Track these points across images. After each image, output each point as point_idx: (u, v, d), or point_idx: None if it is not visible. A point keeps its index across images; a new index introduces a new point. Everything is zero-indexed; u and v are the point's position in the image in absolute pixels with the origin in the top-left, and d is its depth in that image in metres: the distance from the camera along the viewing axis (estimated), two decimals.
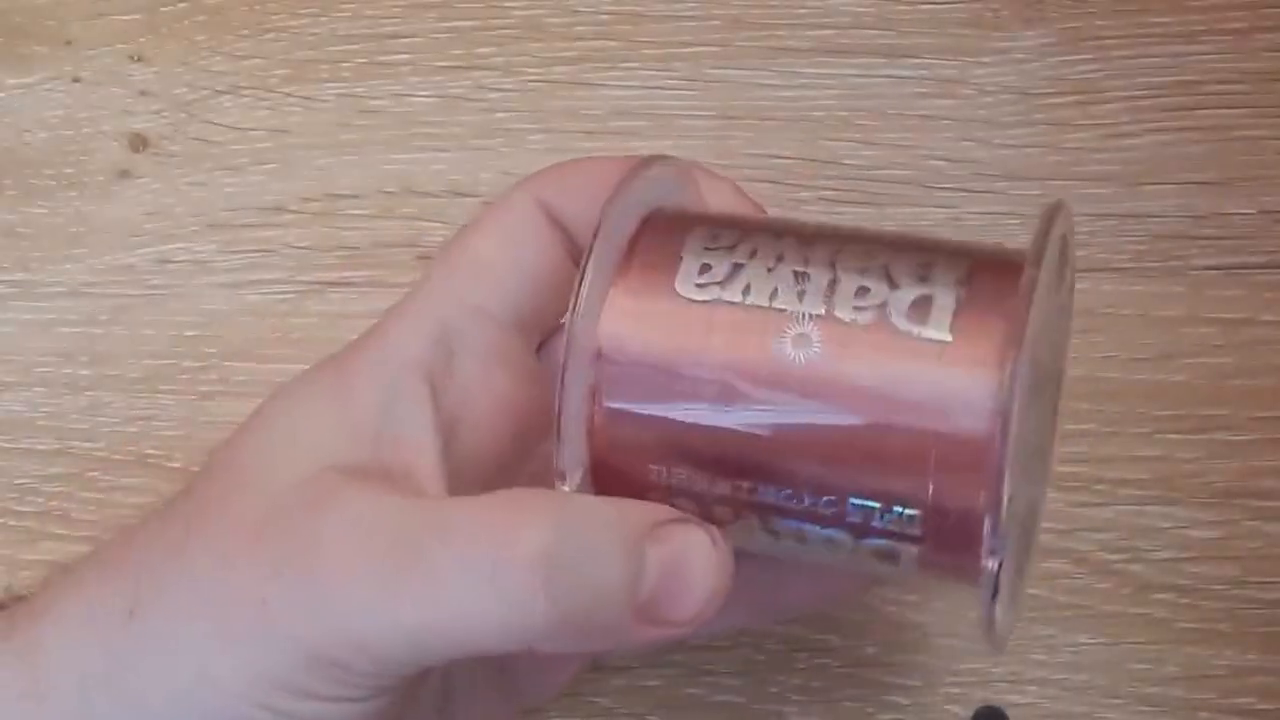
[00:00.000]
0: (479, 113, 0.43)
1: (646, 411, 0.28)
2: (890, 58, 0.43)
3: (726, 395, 0.27)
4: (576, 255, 0.32)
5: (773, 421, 0.27)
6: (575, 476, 0.28)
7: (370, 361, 0.30)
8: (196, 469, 0.40)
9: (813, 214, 0.42)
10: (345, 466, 0.29)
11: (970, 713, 0.36)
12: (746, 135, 0.42)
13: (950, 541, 0.27)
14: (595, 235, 0.28)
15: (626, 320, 0.28)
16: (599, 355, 0.28)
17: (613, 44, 0.43)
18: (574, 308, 0.28)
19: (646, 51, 0.43)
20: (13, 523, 0.41)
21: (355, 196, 0.42)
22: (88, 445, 0.41)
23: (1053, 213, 0.28)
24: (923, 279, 0.27)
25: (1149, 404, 0.40)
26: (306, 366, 0.41)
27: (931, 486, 0.27)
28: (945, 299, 0.27)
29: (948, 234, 0.41)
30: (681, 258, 0.28)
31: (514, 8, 0.43)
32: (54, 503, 0.41)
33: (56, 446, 0.41)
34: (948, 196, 0.42)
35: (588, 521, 0.27)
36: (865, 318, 0.27)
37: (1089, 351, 0.40)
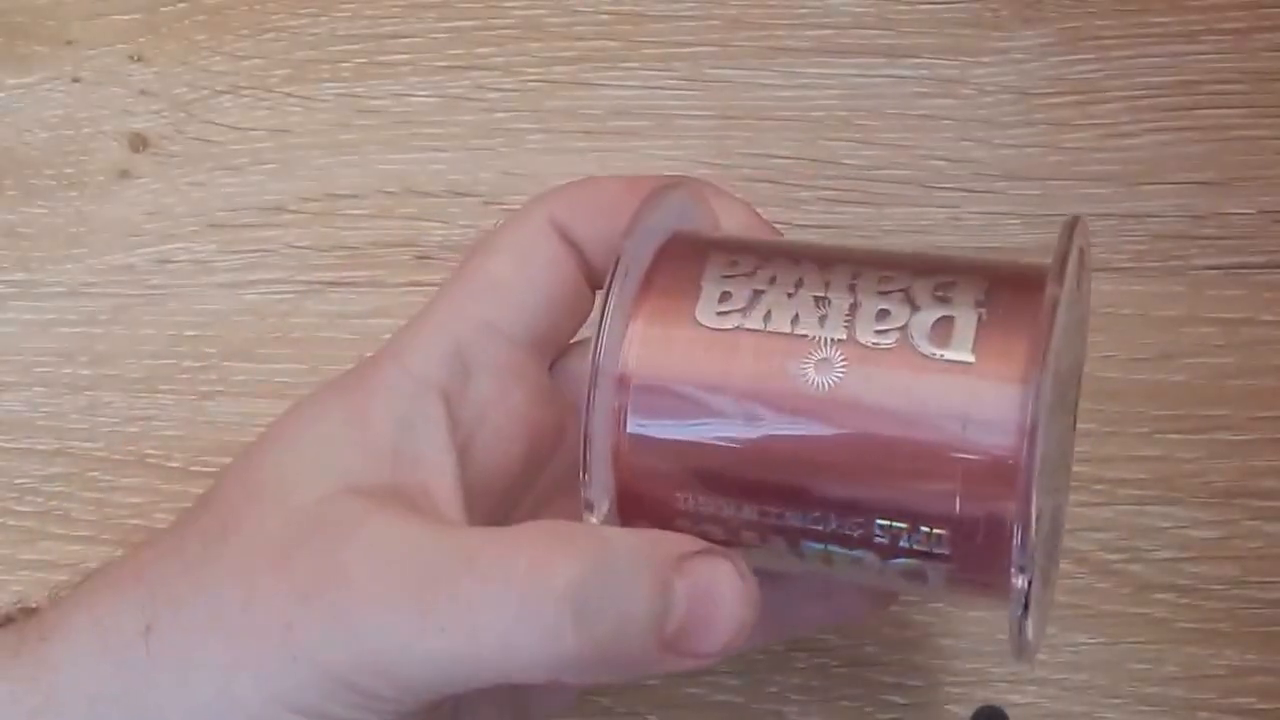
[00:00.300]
0: (479, 113, 0.43)
1: (672, 440, 0.28)
2: (890, 58, 0.43)
3: (751, 422, 0.28)
4: (590, 274, 0.32)
5: (798, 447, 0.27)
6: (603, 507, 0.29)
7: (386, 380, 0.30)
8: (196, 469, 0.41)
9: (813, 214, 0.42)
10: (363, 486, 0.29)
11: (970, 713, 0.36)
12: (746, 135, 0.42)
13: (979, 560, 0.27)
14: (615, 267, 0.28)
15: (649, 350, 0.28)
16: (623, 386, 0.28)
17: (612, 44, 0.43)
18: (598, 339, 0.28)
19: (646, 51, 0.43)
20: (12, 523, 0.41)
21: (355, 196, 0.42)
22: (87, 445, 0.41)
23: (1070, 229, 0.28)
24: (943, 300, 0.27)
25: (1149, 404, 0.40)
26: (306, 366, 0.41)
27: (959, 506, 0.27)
28: (966, 319, 0.27)
29: (948, 234, 0.41)
30: (701, 286, 0.29)
31: (513, 8, 0.43)
32: (54, 503, 0.41)
33: (56, 446, 0.41)
34: (948, 196, 0.42)
35: (616, 556, 0.27)
36: (887, 341, 0.27)
37: (1088, 351, 0.40)
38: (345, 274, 0.42)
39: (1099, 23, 0.43)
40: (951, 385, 0.27)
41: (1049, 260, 0.27)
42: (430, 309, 0.31)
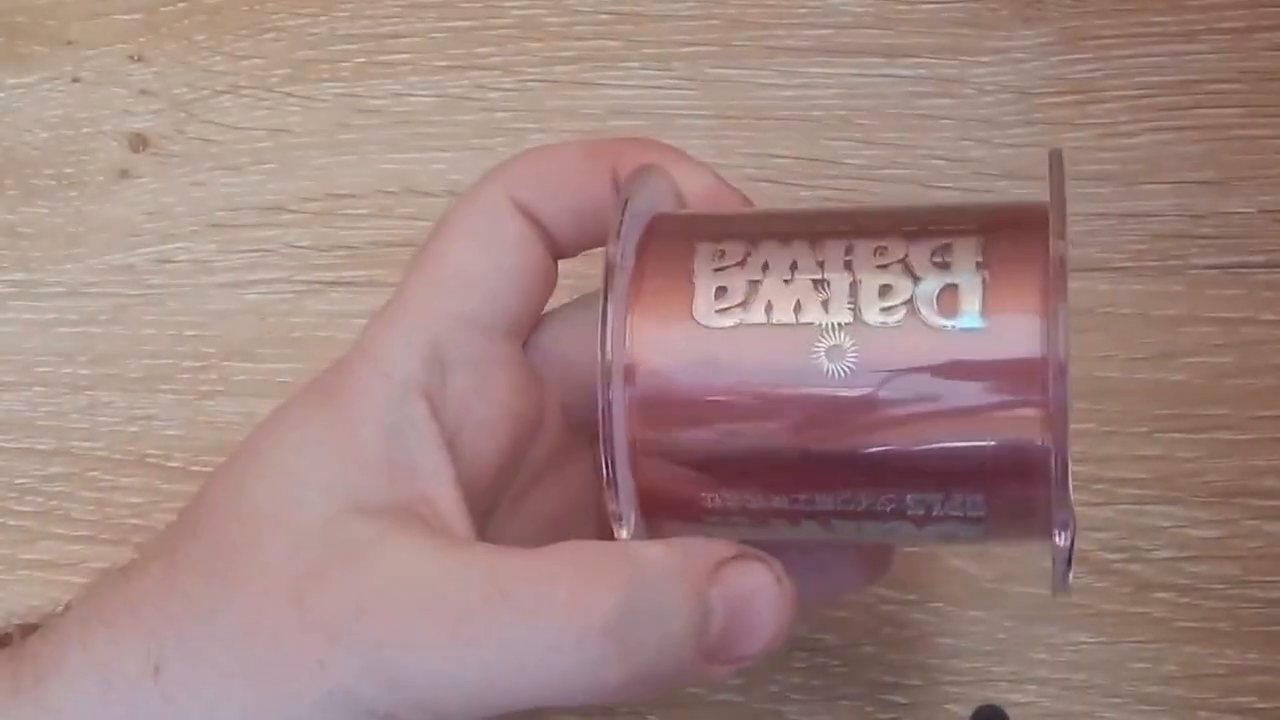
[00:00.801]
0: (479, 112, 0.43)
1: (690, 445, 0.28)
2: (890, 57, 0.43)
3: (768, 416, 0.27)
4: (554, 249, 0.31)
5: (819, 435, 0.27)
6: (630, 518, 0.28)
7: (367, 387, 0.29)
8: (196, 469, 0.41)
9: None
10: (365, 504, 0.28)
11: (970, 712, 0.36)
12: (746, 135, 0.42)
13: (1014, 516, 0.27)
14: (608, 274, 0.27)
15: (654, 357, 0.28)
16: (634, 396, 0.28)
17: (612, 44, 0.43)
18: (603, 354, 0.27)
19: (646, 51, 0.43)
20: (13, 522, 0.41)
21: (354, 196, 0.42)
22: (87, 445, 0.41)
23: (1058, 170, 0.27)
24: (943, 266, 0.27)
25: (1148, 403, 0.40)
26: (306, 366, 0.41)
27: (990, 471, 0.27)
28: (971, 285, 0.27)
29: None
30: (694, 283, 0.28)
31: (513, 8, 0.43)
32: (54, 502, 0.41)
33: (56, 446, 0.41)
34: (948, 196, 0.42)
35: (652, 577, 0.27)
36: (894, 318, 0.27)
37: (1088, 351, 0.40)
38: (345, 274, 0.42)
39: (1099, 22, 0.43)
40: (967, 354, 0.26)
41: (1037, 198, 0.27)
42: (399, 304, 0.30)
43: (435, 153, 0.43)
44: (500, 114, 0.43)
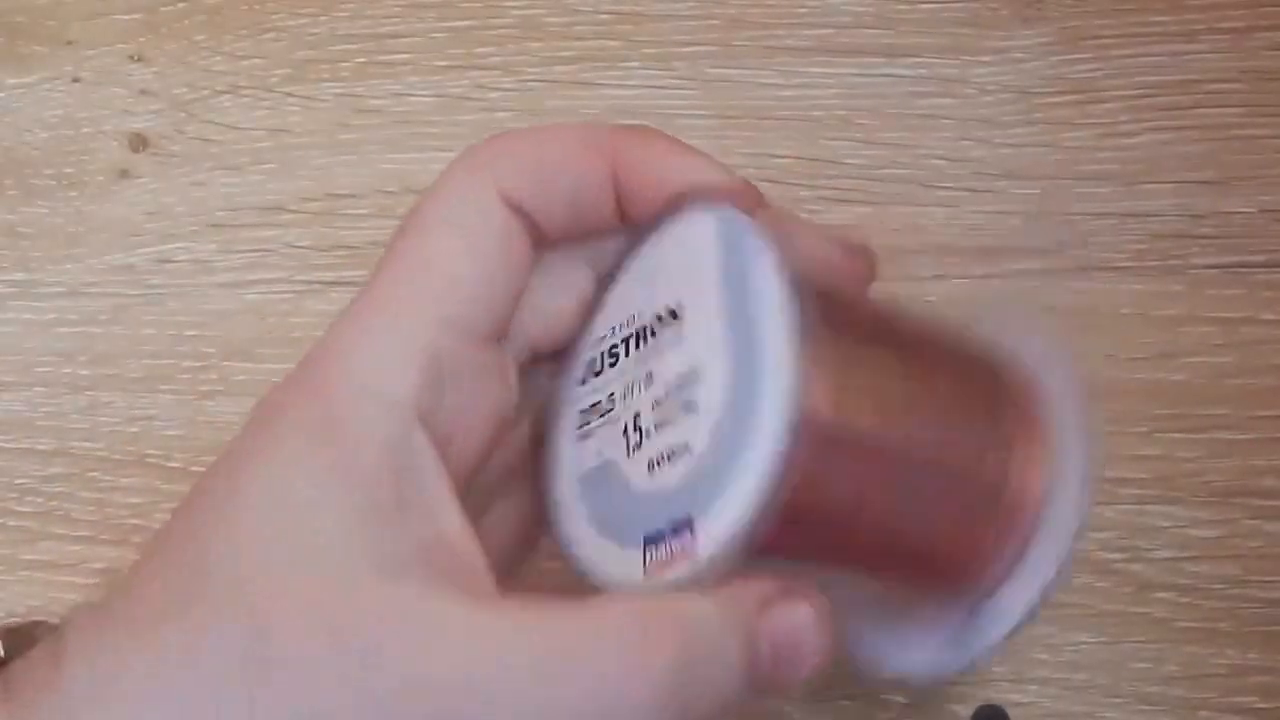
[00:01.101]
0: (479, 112, 0.43)
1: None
2: (890, 57, 0.43)
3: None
4: (540, 240, 0.30)
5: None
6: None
7: (362, 408, 0.27)
8: (196, 469, 0.40)
9: (813, 214, 0.42)
10: (386, 561, 0.26)
11: (970, 712, 0.36)
12: (746, 135, 0.42)
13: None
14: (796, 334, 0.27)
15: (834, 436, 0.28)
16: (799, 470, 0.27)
17: (612, 44, 0.43)
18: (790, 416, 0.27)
19: (646, 51, 0.43)
20: (13, 523, 0.41)
21: (354, 196, 0.42)
22: (88, 445, 0.41)
23: (1094, 410, 0.31)
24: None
25: (1148, 403, 0.40)
26: None
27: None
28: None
29: (950, 232, 0.41)
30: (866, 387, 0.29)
31: (513, 8, 0.43)
32: (54, 503, 0.41)
33: (56, 446, 0.41)
34: (948, 196, 0.42)
35: (705, 635, 0.27)
36: None
37: (1088, 351, 0.40)
38: (345, 274, 0.42)
39: (1098, 22, 0.43)
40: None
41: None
42: (379, 307, 0.29)
43: (435, 153, 0.43)
44: (500, 114, 0.43)
